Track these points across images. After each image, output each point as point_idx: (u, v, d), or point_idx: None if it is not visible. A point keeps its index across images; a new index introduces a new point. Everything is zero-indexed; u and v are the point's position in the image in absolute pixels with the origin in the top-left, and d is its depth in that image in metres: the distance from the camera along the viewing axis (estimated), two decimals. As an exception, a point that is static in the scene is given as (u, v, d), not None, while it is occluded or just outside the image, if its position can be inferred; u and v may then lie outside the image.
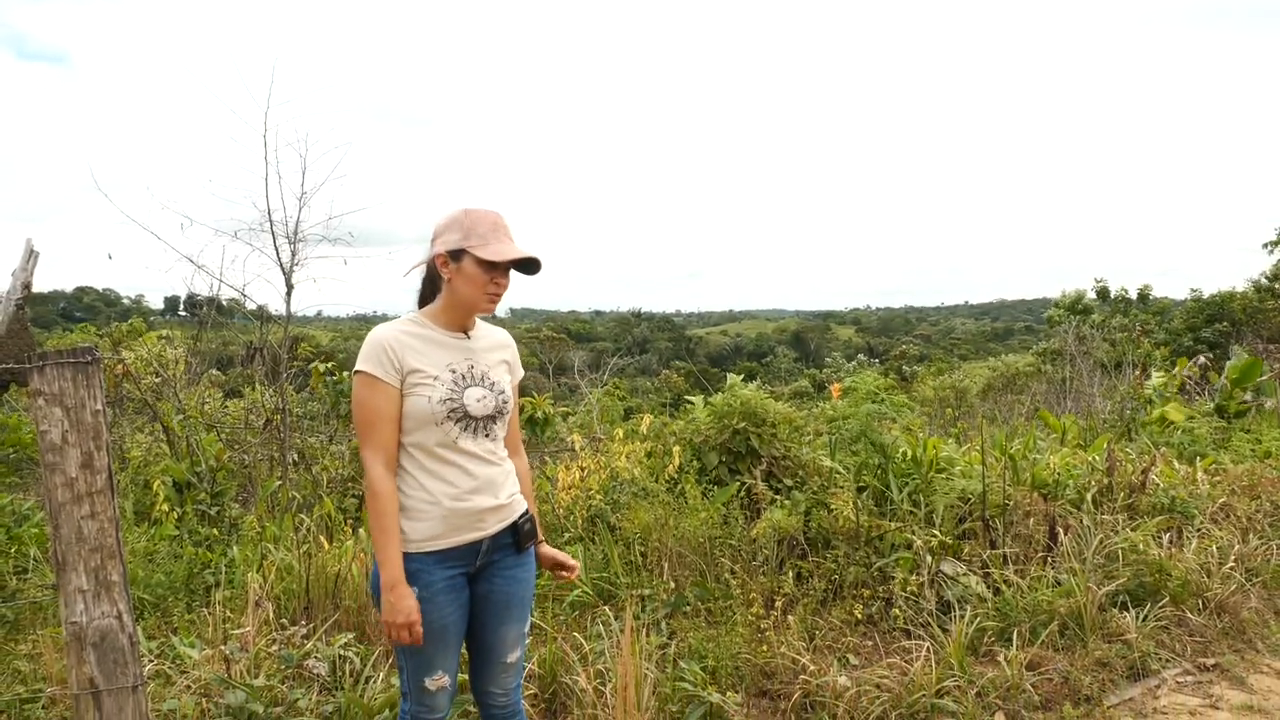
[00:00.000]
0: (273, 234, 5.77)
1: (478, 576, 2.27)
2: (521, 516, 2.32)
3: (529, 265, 2.22)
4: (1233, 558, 4.49)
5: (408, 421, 2.14)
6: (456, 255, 2.16)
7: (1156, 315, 22.68)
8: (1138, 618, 3.94)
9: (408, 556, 2.12)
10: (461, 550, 2.19)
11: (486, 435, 2.23)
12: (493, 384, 2.25)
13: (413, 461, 2.16)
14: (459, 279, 2.17)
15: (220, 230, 5.69)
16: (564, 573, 2.47)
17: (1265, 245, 20.07)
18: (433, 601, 2.13)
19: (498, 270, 2.18)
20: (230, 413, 6.88)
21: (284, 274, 5.81)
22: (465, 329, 2.26)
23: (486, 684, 2.38)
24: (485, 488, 2.21)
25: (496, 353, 2.33)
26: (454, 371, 2.18)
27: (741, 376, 5.98)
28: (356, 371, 2.13)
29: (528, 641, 2.46)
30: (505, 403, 2.27)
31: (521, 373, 2.48)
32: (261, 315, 6.35)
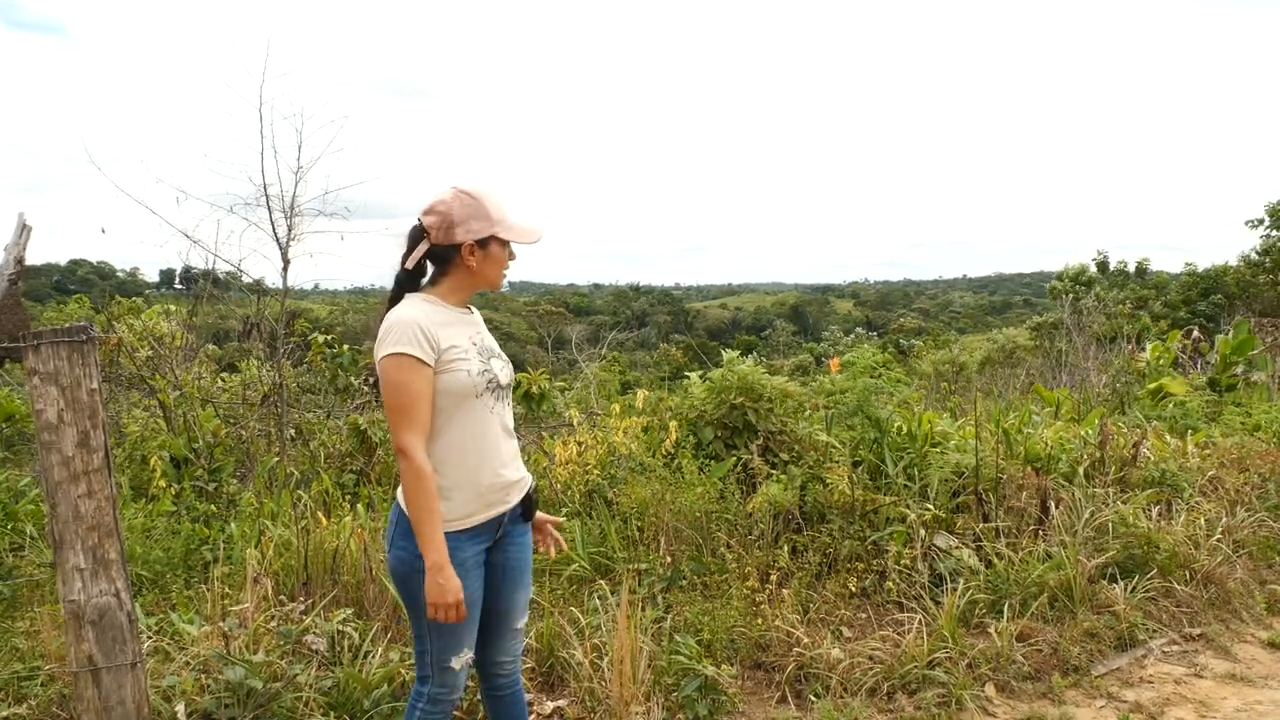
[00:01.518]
0: (269, 208, 5.72)
1: (493, 548, 2.31)
2: (532, 487, 2.39)
3: None
4: (1220, 530, 4.53)
5: (445, 400, 2.13)
6: (484, 242, 2.21)
7: (1154, 289, 22.71)
8: (1126, 589, 4.00)
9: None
10: (489, 524, 2.24)
11: (508, 404, 2.31)
12: (500, 355, 2.32)
13: (449, 441, 2.15)
14: (486, 263, 2.23)
15: (216, 205, 5.64)
16: (551, 525, 2.54)
17: (1247, 223, 20.15)
18: (465, 578, 2.14)
19: (510, 247, 2.28)
20: (227, 388, 6.85)
21: (280, 248, 5.77)
22: (468, 306, 2.32)
23: (497, 654, 2.42)
24: (511, 460, 2.28)
25: (485, 328, 2.40)
26: (475, 345, 2.22)
27: (739, 351, 5.97)
28: (393, 354, 2.05)
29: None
30: (513, 372, 2.36)
31: None
32: (258, 289, 6.32)
